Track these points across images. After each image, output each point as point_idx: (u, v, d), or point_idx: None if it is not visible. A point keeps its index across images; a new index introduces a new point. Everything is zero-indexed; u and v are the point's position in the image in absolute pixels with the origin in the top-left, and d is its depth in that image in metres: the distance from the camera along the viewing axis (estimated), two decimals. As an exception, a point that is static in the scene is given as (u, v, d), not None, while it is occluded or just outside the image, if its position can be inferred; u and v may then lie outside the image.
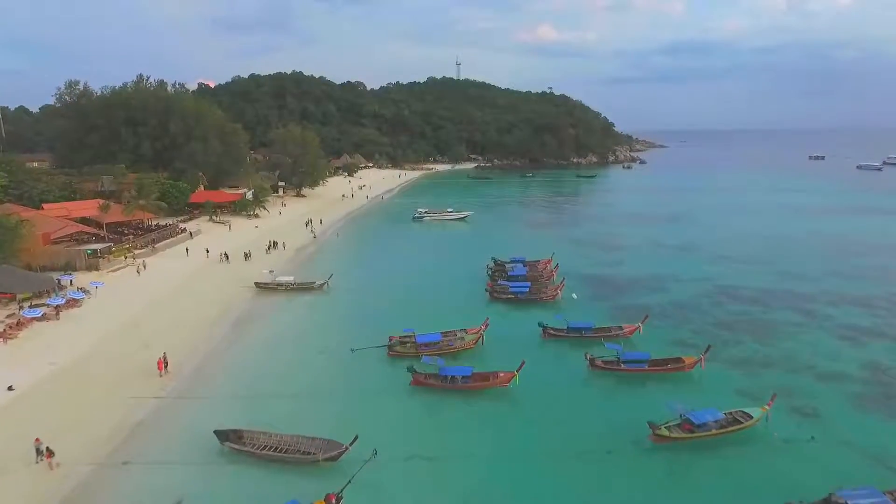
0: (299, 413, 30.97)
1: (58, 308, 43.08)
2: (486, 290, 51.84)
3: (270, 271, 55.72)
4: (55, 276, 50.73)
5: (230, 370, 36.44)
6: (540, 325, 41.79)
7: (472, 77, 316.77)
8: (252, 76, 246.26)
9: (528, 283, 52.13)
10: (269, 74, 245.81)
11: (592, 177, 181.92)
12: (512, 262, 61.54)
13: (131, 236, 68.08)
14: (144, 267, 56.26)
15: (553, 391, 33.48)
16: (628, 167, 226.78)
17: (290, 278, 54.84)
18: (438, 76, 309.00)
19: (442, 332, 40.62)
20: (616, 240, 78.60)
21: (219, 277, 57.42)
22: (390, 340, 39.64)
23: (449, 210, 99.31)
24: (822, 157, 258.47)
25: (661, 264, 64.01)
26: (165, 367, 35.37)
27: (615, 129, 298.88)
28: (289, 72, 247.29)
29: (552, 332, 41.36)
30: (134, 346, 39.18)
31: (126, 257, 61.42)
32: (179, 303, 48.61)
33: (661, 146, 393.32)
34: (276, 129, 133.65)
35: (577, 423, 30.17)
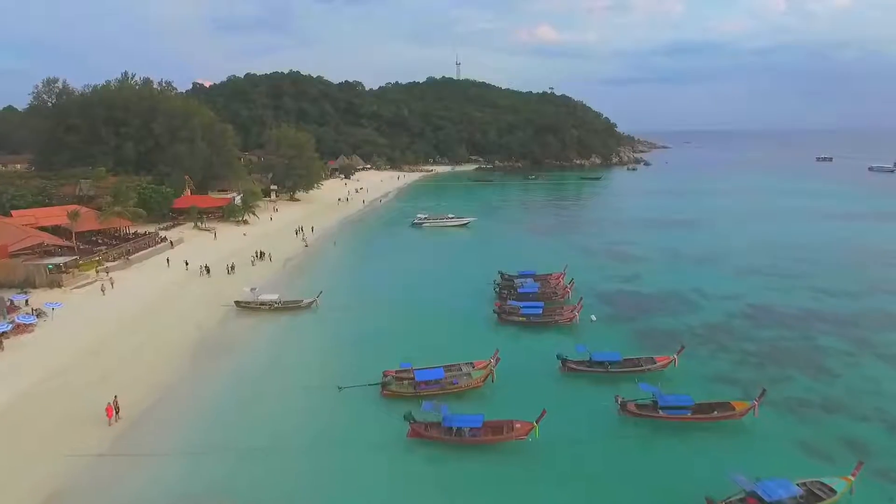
0: (271, 477, 25.33)
1: (2, 336, 37.37)
2: (494, 311, 46.17)
3: (252, 289, 50.03)
4: (8, 295, 45.04)
5: (194, 415, 30.70)
6: (558, 357, 36.14)
7: (471, 78, 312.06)
8: (248, 75, 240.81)
9: (542, 304, 46.42)
10: (266, 74, 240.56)
11: (597, 179, 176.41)
12: (521, 276, 55.92)
13: (104, 247, 62.33)
14: (112, 285, 50.42)
15: (581, 446, 27.81)
16: (633, 169, 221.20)
17: (275, 296, 49.17)
18: (438, 76, 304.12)
19: (445, 367, 35.00)
20: (630, 249, 72.97)
21: (196, 294, 51.76)
22: (384, 377, 33.97)
23: (450, 216, 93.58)
24: (830, 159, 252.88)
25: (683, 278, 58.35)
26: (116, 412, 29.72)
27: (617, 129, 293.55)
28: (285, 71, 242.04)
29: (572, 365, 35.71)
30: (87, 382, 33.54)
31: (97, 271, 55.75)
32: (148, 326, 42.87)
33: (664, 147, 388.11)
34: (270, 130, 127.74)
35: (614, 491, 24.58)
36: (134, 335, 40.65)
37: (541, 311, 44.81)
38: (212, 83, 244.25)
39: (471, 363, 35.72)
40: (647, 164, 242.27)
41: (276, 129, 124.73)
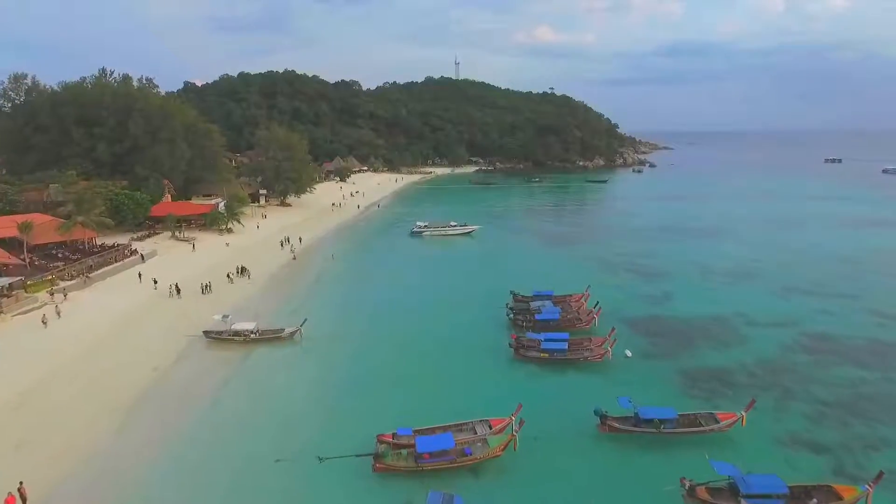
0: None
1: None
2: (510, 346, 38.84)
3: (224, 316, 42.56)
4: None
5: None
6: (596, 412, 28.92)
7: (470, 78, 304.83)
8: (241, 74, 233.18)
9: (566, 335, 39.22)
10: (260, 73, 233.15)
11: (603, 181, 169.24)
12: (536, 297, 48.73)
13: (61, 263, 54.92)
14: (59, 313, 42.80)
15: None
16: (638, 171, 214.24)
17: (251, 325, 41.83)
18: (436, 76, 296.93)
19: (454, 427, 27.90)
20: (653, 262, 65.73)
21: (161, 322, 44.38)
22: (378, 444, 26.68)
23: (452, 224, 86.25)
24: (839, 160, 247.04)
25: (721, 299, 51.22)
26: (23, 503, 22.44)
27: (619, 130, 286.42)
28: (280, 70, 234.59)
29: (615, 424, 28.48)
30: (-1, 450, 26.23)
31: (52, 292, 48.24)
32: (92, 368, 35.40)
33: (666, 148, 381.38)
34: (259, 131, 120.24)
35: None
36: (73, 381, 33.20)
37: (566, 346, 37.56)
38: (204, 82, 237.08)
39: (486, 421, 28.56)
40: (651, 165, 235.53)
41: (266, 129, 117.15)
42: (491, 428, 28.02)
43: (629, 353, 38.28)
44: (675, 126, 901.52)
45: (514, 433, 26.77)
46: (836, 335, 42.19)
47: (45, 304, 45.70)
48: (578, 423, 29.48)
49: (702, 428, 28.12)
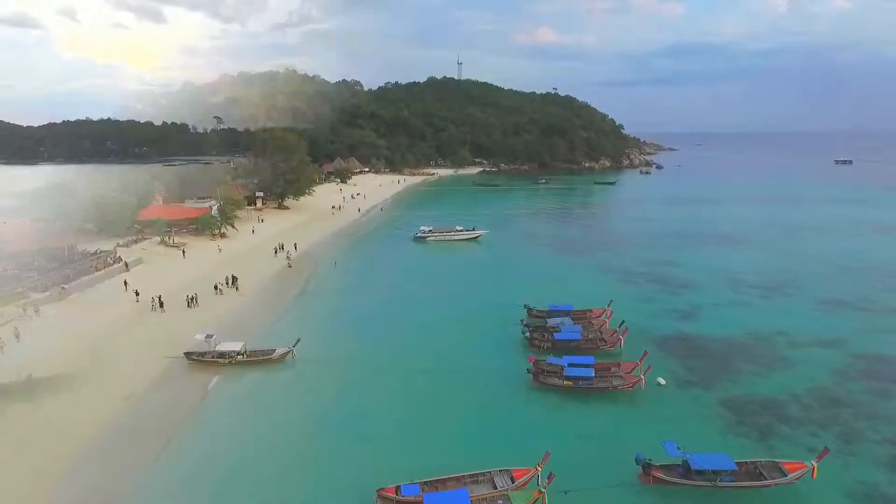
0: None
1: None
2: (528, 371, 34.36)
3: (208, 336, 38.17)
4: None
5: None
6: (637, 461, 24.45)
7: (473, 78, 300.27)
8: (240, 74, 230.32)
9: (592, 359, 34.72)
10: (259, 73, 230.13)
11: (612, 183, 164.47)
12: (553, 311, 44.30)
13: (34, 273, 50.66)
14: (17, 336, 38.20)
15: None
16: (646, 172, 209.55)
17: (238, 345, 37.44)
18: (439, 77, 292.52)
19: (468, 480, 23.48)
20: (675, 272, 61.14)
21: (139, 341, 40.03)
22: (378, 503, 22.24)
23: (458, 228, 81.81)
24: (850, 162, 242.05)
25: (756, 314, 46.70)
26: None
27: (623, 131, 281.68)
28: (281, 70, 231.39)
29: (661, 475, 24.00)
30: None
31: (24, 307, 43.96)
32: (50, 400, 30.94)
33: (670, 149, 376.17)
34: (256, 132, 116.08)
35: None
36: (32, 414, 28.82)
37: (593, 373, 33.09)
38: (203, 83, 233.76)
39: (507, 471, 24.11)
40: (659, 167, 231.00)
41: (263, 131, 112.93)
42: (513, 481, 23.57)
43: (662, 381, 33.79)
44: (676, 127, 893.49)
45: (543, 489, 22.32)
46: (893, 358, 37.68)
47: (12, 320, 41.42)
48: (616, 471, 25.02)
49: (765, 481, 23.63)
